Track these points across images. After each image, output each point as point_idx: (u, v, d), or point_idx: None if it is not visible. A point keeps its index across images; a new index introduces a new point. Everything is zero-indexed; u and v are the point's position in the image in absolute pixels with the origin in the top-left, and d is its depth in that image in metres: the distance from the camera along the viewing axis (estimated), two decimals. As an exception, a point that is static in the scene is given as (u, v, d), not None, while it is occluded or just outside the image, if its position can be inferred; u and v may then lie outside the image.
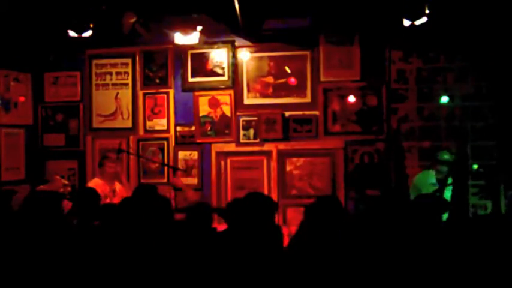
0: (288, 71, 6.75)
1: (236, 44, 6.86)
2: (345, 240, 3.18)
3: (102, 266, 3.42)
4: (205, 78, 6.96)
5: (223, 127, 6.91)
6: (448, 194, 5.39)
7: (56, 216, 3.70)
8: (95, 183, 6.21)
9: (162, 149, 7.08)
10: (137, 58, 7.18)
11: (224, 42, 6.89)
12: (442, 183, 5.44)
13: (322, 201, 3.56)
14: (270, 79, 6.81)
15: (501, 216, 3.33)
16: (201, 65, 6.98)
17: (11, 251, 3.46)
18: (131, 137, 7.15)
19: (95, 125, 7.31)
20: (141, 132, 7.17)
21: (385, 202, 6.07)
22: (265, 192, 6.56)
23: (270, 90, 6.81)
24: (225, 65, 6.90)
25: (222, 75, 6.92)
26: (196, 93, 6.98)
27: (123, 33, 6.22)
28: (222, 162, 6.89)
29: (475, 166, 6.01)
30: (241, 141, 6.86)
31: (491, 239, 2.86)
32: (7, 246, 3.50)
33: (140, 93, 7.18)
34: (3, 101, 6.96)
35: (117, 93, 7.25)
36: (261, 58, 6.84)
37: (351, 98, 6.58)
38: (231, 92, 6.88)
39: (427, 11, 5.25)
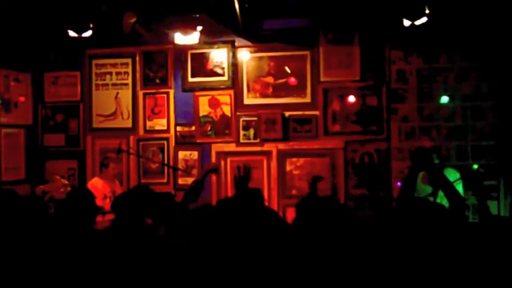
0: (288, 71, 6.74)
1: (236, 44, 6.85)
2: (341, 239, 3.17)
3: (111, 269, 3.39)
4: (205, 78, 6.96)
5: (223, 127, 6.91)
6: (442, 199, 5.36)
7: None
8: (95, 183, 6.22)
9: (162, 149, 7.08)
10: (137, 58, 7.18)
11: (224, 42, 6.89)
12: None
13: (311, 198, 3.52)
14: (270, 79, 6.81)
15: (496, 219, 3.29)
16: (201, 65, 6.98)
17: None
18: (131, 137, 7.15)
19: (95, 125, 7.31)
20: (141, 132, 7.17)
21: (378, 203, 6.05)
22: (265, 192, 6.58)
23: (270, 90, 6.81)
24: (225, 65, 6.90)
25: (222, 75, 6.92)
26: (196, 93, 6.98)
27: (123, 33, 6.21)
28: (222, 162, 6.89)
29: (475, 166, 6.01)
30: (241, 141, 6.85)
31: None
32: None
33: (140, 93, 7.18)
34: (3, 101, 6.96)
35: (117, 93, 7.25)
36: (261, 58, 6.84)
37: (351, 98, 6.58)
38: (231, 92, 6.88)
39: (427, 11, 5.25)
